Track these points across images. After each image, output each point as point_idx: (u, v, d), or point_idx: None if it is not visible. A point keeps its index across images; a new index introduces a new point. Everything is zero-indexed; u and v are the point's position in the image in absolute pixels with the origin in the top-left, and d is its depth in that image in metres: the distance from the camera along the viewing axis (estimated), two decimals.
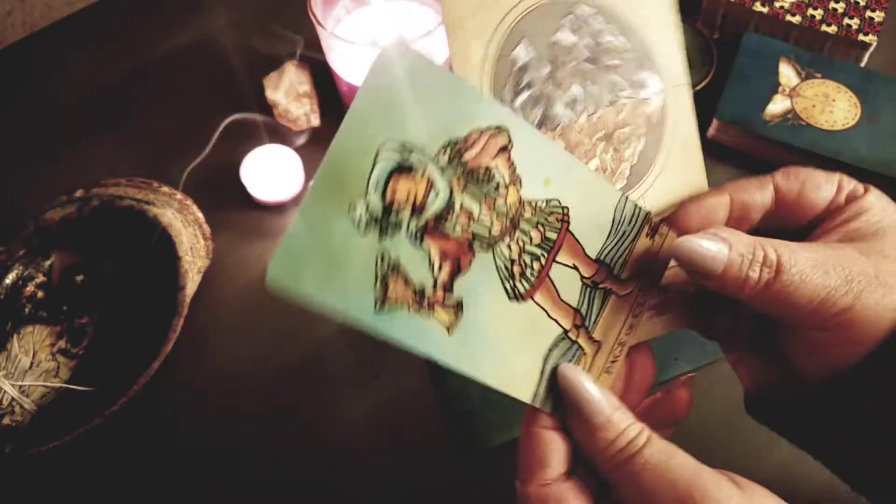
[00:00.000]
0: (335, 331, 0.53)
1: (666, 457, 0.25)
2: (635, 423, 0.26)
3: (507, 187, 0.26)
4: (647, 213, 0.29)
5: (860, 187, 0.30)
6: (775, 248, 0.26)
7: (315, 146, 0.60)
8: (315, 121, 0.61)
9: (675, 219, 0.30)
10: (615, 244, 0.29)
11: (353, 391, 0.50)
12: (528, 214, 0.26)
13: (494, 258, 0.26)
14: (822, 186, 0.29)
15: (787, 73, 0.60)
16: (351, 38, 0.58)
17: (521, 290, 0.26)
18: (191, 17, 0.70)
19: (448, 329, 0.25)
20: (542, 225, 0.27)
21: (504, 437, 0.48)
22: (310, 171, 0.58)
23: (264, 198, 0.57)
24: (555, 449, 0.27)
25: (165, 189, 0.54)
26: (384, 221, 0.23)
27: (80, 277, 0.52)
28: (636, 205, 0.29)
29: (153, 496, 0.47)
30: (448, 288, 0.25)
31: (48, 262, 0.52)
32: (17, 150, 0.63)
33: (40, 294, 0.51)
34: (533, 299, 0.27)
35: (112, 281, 0.52)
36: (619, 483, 0.26)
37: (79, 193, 0.53)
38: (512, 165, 0.26)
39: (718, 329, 0.32)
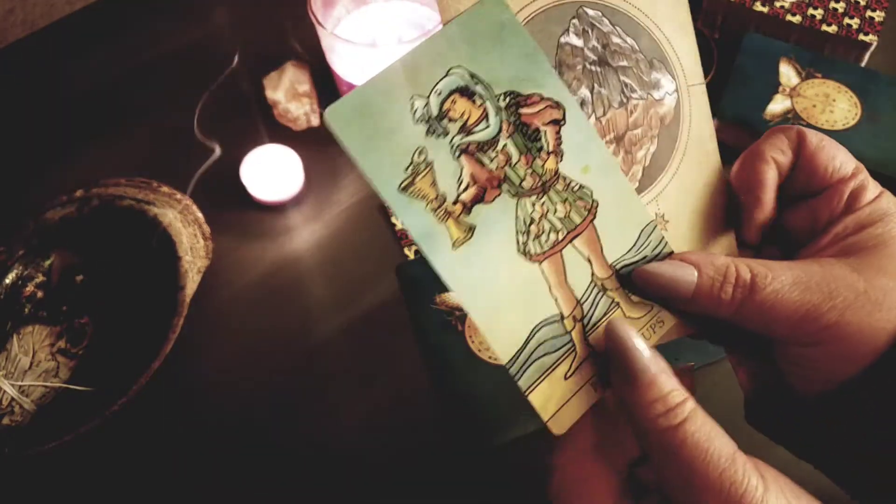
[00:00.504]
0: (335, 331, 0.53)
1: (707, 437, 0.25)
2: (681, 390, 0.26)
3: (548, 154, 0.28)
4: (671, 253, 0.30)
5: (876, 187, 0.29)
6: (750, 267, 0.27)
7: (315, 146, 0.60)
8: (315, 121, 0.61)
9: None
10: (634, 262, 0.29)
11: (353, 391, 0.50)
12: (559, 187, 0.28)
13: (517, 207, 0.27)
14: (838, 157, 0.29)
15: (787, 73, 0.60)
16: (351, 38, 0.58)
17: (532, 250, 0.27)
18: (191, 17, 0.70)
19: (454, 243, 0.26)
20: (570, 203, 0.28)
21: (505, 438, 0.48)
22: (309, 171, 0.58)
23: (264, 198, 0.57)
24: (587, 419, 0.28)
25: (165, 189, 0.54)
26: (434, 123, 0.26)
27: (79, 277, 0.52)
28: (664, 238, 0.29)
29: (153, 496, 0.47)
30: (467, 209, 0.26)
31: (48, 262, 0.52)
32: (18, 149, 0.63)
33: (40, 294, 0.51)
34: (540, 266, 0.28)
35: (112, 281, 0.52)
36: (656, 451, 0.25)
37: (79, 193, 0.53)
38: (559, 139, 0.28)
39: (719, 333, 0.32)
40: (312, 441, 0.49)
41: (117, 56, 0.68)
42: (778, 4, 0.63)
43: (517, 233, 0.27)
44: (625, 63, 0.30)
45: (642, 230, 0.29)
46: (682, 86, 0.31)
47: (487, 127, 0.27)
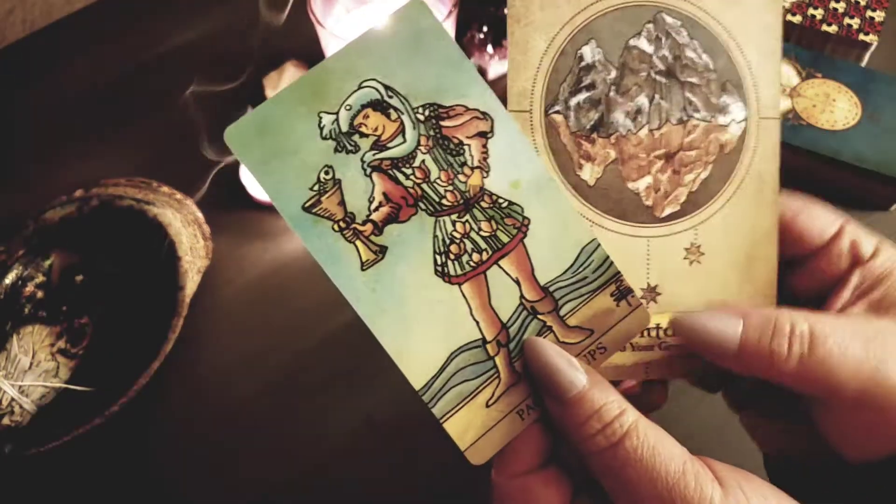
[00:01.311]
0: (335, 331, 0.52)
1: (651, 452, 0.23)
2: (618, 399, 0.24)
3: (472, 169, 0.26)
4: (618, 273, 0.27)
5: (869, 243, 0.27)
6: (805, 317, 0.24)
7: None
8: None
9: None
10: (570, 285, 0.27)
11: (353, 391, 0.50)
12: (484, 204, 0.26)
13: (436, 226, 0.26)
14: (821, 217, 0.28)
15: (787, 73, 0.60)
16: (351, 37, 0.58)
17: (452, 271, 0.26)
18: (191, 17, 0.70)
19: (363, 264, 0.25)
20: (496, 222, 0.26)
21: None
22: None
23: (264, 198, 0.57)
24: (527, 439, 0.26)
25: (165, 189, 0.54)
26: (344, 139, 0.25)
27: (79, 277, 0.52)
28: (608, 258, 0.27)
29: (153, 496, 0.47)
30: (378, 228, 0.25)
31: (48, 262, 0.52)
32: (17, 149, 0.63)
33: (40, 294, 0.51)
34: (460, 288, 0.26)
35: (112, 281, 0.52)
36: (600, 473, 0.24)
37: (78, 193, 0.53)
38: (485, 152, 0.26)
39: (720, 386, 0.30)
40: (312, 441, 0.49)
41: (117, 56, 0.68)
42: None
43: (435, 253, 0.26)
44: (694, 80, 0.28)
45: (582, 249, 0.27)
46: (752, 116, 0.29)
47: (403, 142, 0.25)
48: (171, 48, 0.68)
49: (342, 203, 0.25)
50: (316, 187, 0.25)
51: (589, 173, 0.28)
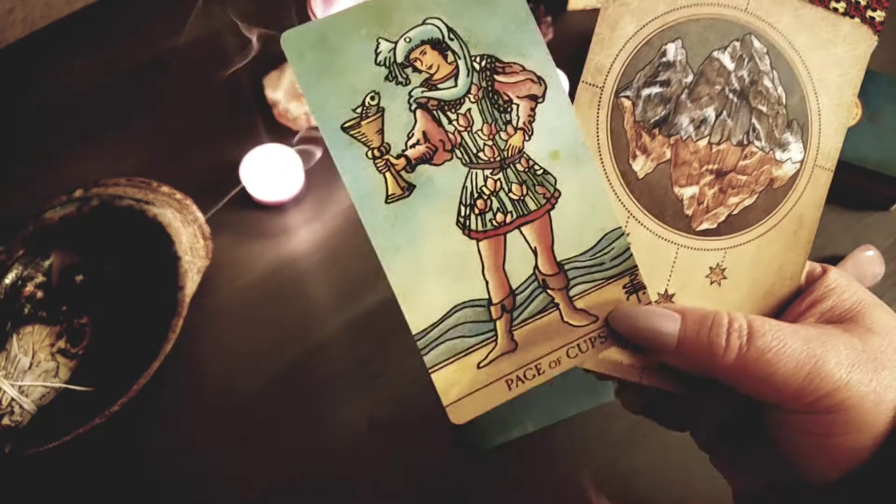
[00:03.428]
0: (335, 331, 0.52)
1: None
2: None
3: (516, 129, 0.26)
4: (634, 267, 0.27)
5: (817, 266, 0.28)
6: (744, 315, 0.25)
7: (314, 146, 0.60)
8: (315, 120, 0.61)
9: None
10: (586, 267, 0.27)
11: (353, 391, 0.50)
12: (520, 167, 0.26)
13: (467, 177, 0.26)
14: None
15: None
16: None
17: (473, 225, 0.26)
18: (191, 17, 0.70)
19: (388, 197, 0.25)
20: (528, 187, 0.26)
21: (504, 438, 0.48)
22: (309, 171, 0.58)
23: (264, 197, 0.57)
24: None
25: (165, 189, 0.54)
26: (397, 69, 0.25)
27: (79, 277, 0.52)
28: (628, 249, 0.27)
29: (153, 496, 0.47)
30: (410, 165, 0.25)
31: (47, 262, 0.52)
32: (17, 149, 0.63)
33: (40, 294, 0.51)
34: (478, 245, 0.26)
35: (112, 281, 0.52)
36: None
37: (78, 193, 0.53)
38: (532, 116, 0.26)
39: (686, 422, 0.30)
40: (312, 440, 0.49)
41: (117, 56, 0.68)
42: None
43: (460, 204, 0.26)
44: (764, 108, 0.28)
45: (605, 235, 0.27)
46: (808, 160, 0.29)
47: (454, 87, 0.25)
48: (171, 48, 0.68)
49: (381, 132, 0.25)
50: (359, 110, 0.25)
51: (640, 165, 0.28)
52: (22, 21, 0.71)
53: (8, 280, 0.50)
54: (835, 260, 0.55)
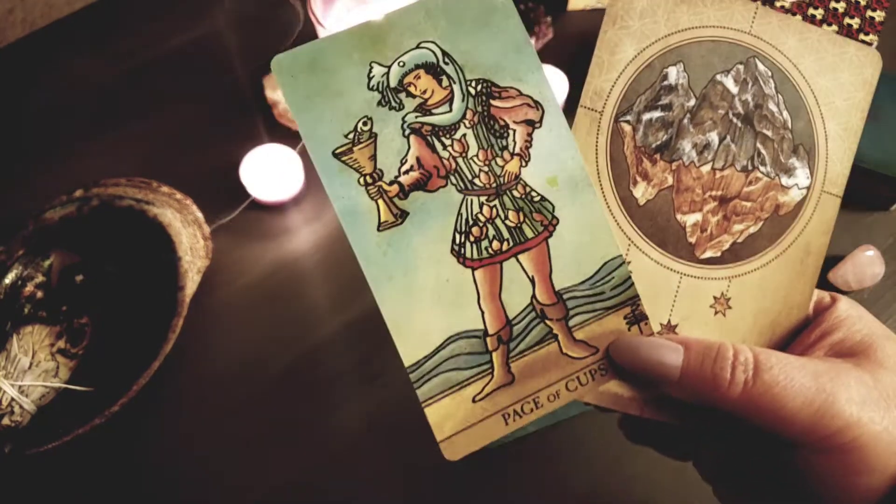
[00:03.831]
0: (336, 331, 0.52)
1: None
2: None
3: (512, 155, 0.25)
4: (636, 296, 0.26)
5: (826, 295, 0.28)
6: (749, 348, 0.24)
7: None
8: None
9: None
10: (586, 297, 0.26)
11: (353, 391, 0.50)
12: (517, 193, 0.25)
13: (462, 204, 0.25)
14: None
15: None
16: None
17: (468, 253, 0.25)
18: (191, 17, 0.70)
19: (380, 225, 0.24)
20: (525, 214, 0.25)
21: (503, 440, 0.48)
22: (309, 171, 0.58)
23: (264, 198, 0.57)
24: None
25: (165, 189, 0.54)
26: (390, 94, 0.24)
27: (79, 277, 0.52)
28: (630, 278, 0.26)
29: (153, 496, 0.47)
30: (403, 192, 0.24)
31: (47, 262, 0.52)
32: (17, 149, 0.63)
33: (39, 294, 0.51)
34: (473, 273, 0.25)
35: (112, 281, 0.52)
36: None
37: (78, 193, 0.53)
38: (529, 141, 0.25)
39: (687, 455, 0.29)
40: (312, 441, 0.49)
41: (117, 56, 0.68)
42: (778, 4, 0.63)
43: (455, 231, 0.25)
44: (769, 133, 0.28)
45: (605, 263, 0.26)
46: (815, 186, 0.28)
47: (449, 112, 0.25)
48: (171, 48, 0.68)
49: (373, 157, 0.24)
50: (351, 135, 0.24)
51: (641, 192, 0.27)
52: (22, 21, 0.71)
53: (8, 280, 0.50)
54: (835, 260, 0.55)
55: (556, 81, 0.60)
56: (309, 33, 0.59)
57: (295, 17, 0.64)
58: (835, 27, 0.62)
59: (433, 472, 0.47)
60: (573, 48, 0.67)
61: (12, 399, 0.46)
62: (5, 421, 0.45)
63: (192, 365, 0.51)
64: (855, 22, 0.62)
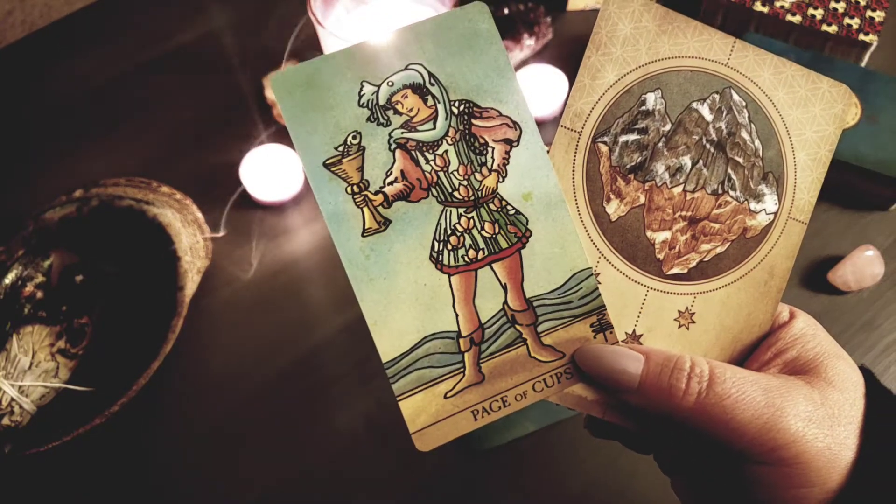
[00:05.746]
0: (335, 331, 0.53)
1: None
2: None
3: (490, 171, 0.27)
4: (602, 307, 0.28)
5: (785, 310, 0.29)
6: (707, 361, 0.25)
7: None
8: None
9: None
10: (554, 305, 0.28)
11: (353, 392, 0.50)
12: (493, 206, 0.27)
13: (441, 214, 0.27)
14: None
15: None
16: (351, 37, 0.58)
17: (445, 261, 0.27)
18: (191, 17, 0.70)
19: (365, 231, 0.26)
20: (500, 226, 0.27)
21: (503, 440, 0.48)
22: None
23: (263, 197, 0.57)
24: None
25: (165, 189, 0.54)
26: (379, 111, 0.26)
27: (79, 277, 0.52)
28: (597, 289, 0.28)
29: (153, 496, 0.47)
30: (388, 201, 0.26)
31: (47, 262, 0.52)
32: (17, 150, 0.63)
33: (39, 294, 0.51)
34: (449, 279, 0.27)
35: (112, 281, 0.52)
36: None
37: (78, 193, 0.53)
38: (506, 159, 0.27)
39: (650, 449, 0.30)
40: (312, 441, 0.49)
41: (117, 56, 0.68)
42: (778, 4, 0.63)
43: (434, 239, 0.27)
44: (740, 160, 0.29)
45: (574, 274, 0.28)
46: (783, 213, 0.29)
47: (433, 129, 0.27)
48: (171, 48, 0.68)
49: (361, 169, 0.26)
50: (341, 148, 0.26)
51: (614, 208, 0.28)
52: (21, 23, 0.71)
53: (8, 280, 0.50)
54: (834, 260, 0.55)
55: (556, 81, 0.61)
56: (309, 33, 0.60)
57: (295, 18, 0.64)
58: (834, 27, 0.62)
59: (433, 472, 0.47)
60: (573, 48, 0.67)
61: (12, 399, 0.46)
62: (5, 421, 0.45)
63: (191, 365, 0.51)
64: (855, 22, 0.62)
